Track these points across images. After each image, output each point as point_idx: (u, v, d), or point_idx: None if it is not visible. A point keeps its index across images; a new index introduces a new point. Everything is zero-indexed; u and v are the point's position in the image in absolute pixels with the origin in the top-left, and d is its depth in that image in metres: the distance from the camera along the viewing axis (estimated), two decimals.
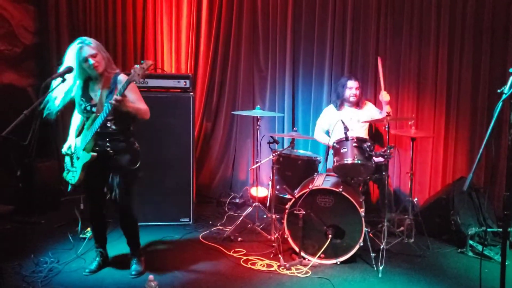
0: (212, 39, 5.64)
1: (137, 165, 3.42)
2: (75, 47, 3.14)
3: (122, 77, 3.28)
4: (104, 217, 3.63)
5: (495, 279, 2.65)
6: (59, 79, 3.10)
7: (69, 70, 3.12)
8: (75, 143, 3.38)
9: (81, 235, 4.18)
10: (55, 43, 5.48)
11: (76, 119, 3.49)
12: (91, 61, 3.14)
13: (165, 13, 5.71)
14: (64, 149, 3.39)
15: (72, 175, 3.36)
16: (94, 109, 3.26)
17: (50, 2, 5.43)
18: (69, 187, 3.43)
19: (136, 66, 3.05)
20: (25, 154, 4.78)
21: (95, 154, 3.26)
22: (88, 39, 3.19)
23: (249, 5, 5.54)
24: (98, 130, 3.20)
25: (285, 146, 5.33)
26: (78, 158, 3.31)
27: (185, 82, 4.61)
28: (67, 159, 3.43)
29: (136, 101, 3.27)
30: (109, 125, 3.28)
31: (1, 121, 2.92)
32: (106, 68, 3.24)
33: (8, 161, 4.58)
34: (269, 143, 4.42)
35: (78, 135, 3.43)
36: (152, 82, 4.56)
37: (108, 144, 3.30)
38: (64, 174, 3.46)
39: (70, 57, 3.15)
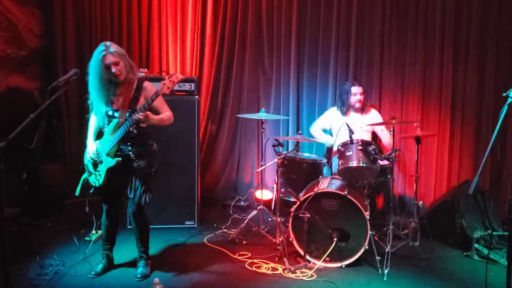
0: (217, 43, 5.66)
1: (155, 167, 3.49)
2: (98, 54, 3.18)
3: (148, 85, 3.37)
4: (118, 220, 3.68)
5: (501, 283, 2.64)
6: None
7: (76, 74, 3.16)
8: (96, 147, 3.39)
9: (86, 238, 4.20)
10: (61, 46, 5.51)
11: (93, 121, 3.50)
12: (113, 69, 3.19)
13: (170, 17, 5.74)
14: (90, 155, 3.39)
15: (96, 178, 3.40)
16: (116, 114, 3.30)
17: (56, 5, 5.47)
18: (92, 189, 3.49)
19: (165, 77, 3.15)
20: (31, 157, 4.81)
21: (119, 159, 3.31)
22: (111, 46, 3.21)
23: (254, 8, 5.55)
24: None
25: (290, 149, 5.33)
26: (101, 162, 3.35)
27: (190, 85, 4.62)
28: (88, 162, 3.44)
29: (160, 108, 3.38)
30: (131, 129, 3.30)
31: (7, 124, 2.94)
32: (128, 75, 3.27)
33: (14, 164, 4.60)
34: (273, 146, 4.42)
35: (97, 138, 3.46)
36: (158, 85, 4.55)
37: (130, 148, 3.35)
38: (86, 176, 3.48)
39: (94, 64, 3.21)
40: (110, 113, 3.33)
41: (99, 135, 3.47)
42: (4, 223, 2.62)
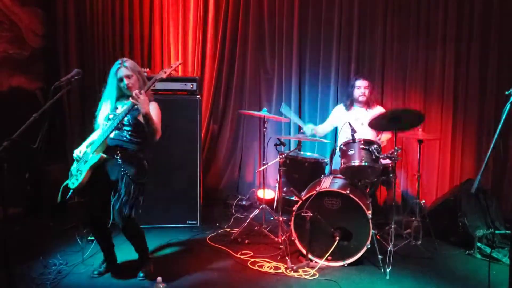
0: (219, 42, 5.67)
1: (143, 181, 3.41)
2: (114, 68, 3.35)
3: (154, 103, 3.43)
4: (106, 226, 3.51)
5: (504, 282, 2.65)
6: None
7: (78, 74, 3.18)
8: (85, 149, 3.39)
9: (89, 237, 4.20)
10: (63, 46, 5.52)
11: (94, 135, 3.49)
12: (125, 81, 3.31)
13: (172, 16, 5.74)
14: (75, 154, 3.40)
15: (76, 179, 3.33)
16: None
17: (58, 5, 5.47)
18: (69, 193, 3.38)
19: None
20: (34, 157, 4.82)
21: (104, 155, 3.29)
22: (127, 61, 3.37)
23: (256, 7, 5.56)
24: (112, 135, 3.29)
25: (292, 148, 5.33)
26: (85, 162, 3.32)
27: (192, 84, 4.63)
28: (73, 165, 3.42)
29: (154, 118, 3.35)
30: (124, 134, 3.34)
31: (10, 124, 2.94)
32: (139, 88, 3.32)
33: (17, 164, 4.61)
34: (275, 145, 4.42)
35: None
36: (159, 85, 4.50)
37: (119, 151, 3.33)
38: (66, 182, 3.41)
39: (110, 77, 3.37)
40: (111, 117, 3.35)
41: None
42: (7, 223, 2.63)
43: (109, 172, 3.36)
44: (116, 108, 3.41)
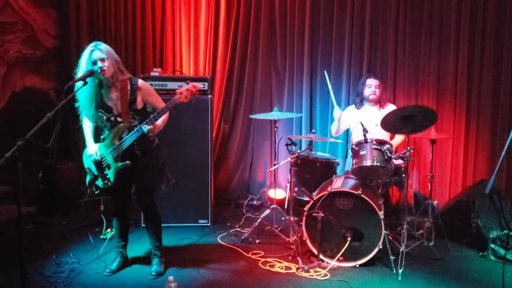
0: (230, 42, 5.67)
1: (161, 161, 3.56)
2: (87, 50, 3.24)
3: (142, 85, 3.40)
4: (128, 217, 3.73)
5: None
6: (80, 83, 3.14)
7: (91, 73, 3.17)
8: (100, 150, 3.38)
9: (101, 236, 4.24)
10: (76, 46, 5.54)
11: (88, 125, 3.47)
12: (99, 64, 3.20)
13: (183, 16, 5.76)
14: (94, 157, 3.36)
15: (105, 181, 3.39)
16: (119, 119, 3.33)
17: (71, 6, 5.51)
18: (97, 191, 3.48)
19: (182, 84, 3.31)
20: (47, 156, 4.86)
21: (129, 162, 3.33)
22: (100, 44, 3.28)
23: (267, 7, 5.55)
24: (124, 136, 3.32)
25: (303, 148, 5.31)
26: (109, 166, 3.35)
27: (203, 84, 4.62)
28: (90, 164, 3.42)
29: (157, 104, 3.42)
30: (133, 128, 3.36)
31: (24, 123, 2.97)
32: (115, 73, 3.28)
33: (30, 163, 4.66)
34: (287, 145, 4.42)
35: (97, 140, 3.46)
36: (171, 85, 4.59)
37: (136, 146, 3.35)
38: (90, 177, 3.46)
39: (83, 60, 3.24)
40: (112, 118, 3.35)
41: (95, 136, 3.47)
42: (20, 221, 2.66)
43: (131, 166, 3.38)
44: (110, 108, 3.32)
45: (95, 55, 3.21)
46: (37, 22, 5.21)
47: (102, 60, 3.22)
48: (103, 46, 3.28)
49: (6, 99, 4.80)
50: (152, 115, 3.24)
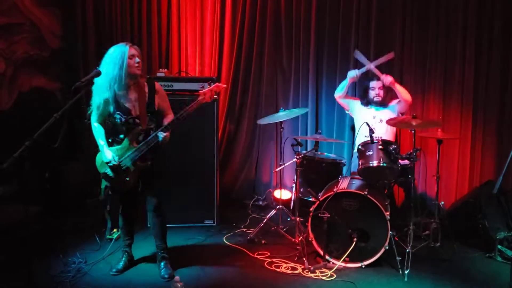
0: (236, 41, 5.67)
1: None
2: (120, 47, 3.30)
3: (158, 87, 3.51)
4: (136, 216, 3.75)
5: None
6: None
7: (98, 73, 3.18)
8: (117, 154, 3.37)
9: (107, 236, 4.25)
10: (82, 47, 5.58)
11: (100, 131, 3.46)
12: (138, 59, 3.31)
13: (189, 17, 5.78)
14: (113, 162, 3.34)
15: (125, 184, 3.41)
16: (137, 120, 3.37)
17: (77, 7, 5.54)
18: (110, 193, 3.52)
19: (204, 85, 3.47)
20: (53, 156, 4.88)
21: (150, 162, 3.42)
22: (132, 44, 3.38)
23: (273, 7, 5.54)
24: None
25: (309, 148, 5.31)
26: (128, 168, 3.36)
27: (209, 84, 4.62)
28: (107, 169, 3.40)
29: (167, 109, 3.54)
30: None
31: (31, 124, 2.99)
32: (141, 74, 3.40)
33: (37, 163, 4.68)
34: (292, 145, 4.41)
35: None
36: (177, 85, 4.60)
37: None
38: (106, 184, 3.46)
39: (116, 55, 3.27)
40: (131, 121, 3.36)
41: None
42: (27, 221, 2.67)
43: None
44: (128, 109, 3.35)
45: (133, 51, 3.30)
46: (43, 22, 5.23)
47: (138, 56, 3.33)
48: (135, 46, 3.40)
49: (13, 99, 4.83)
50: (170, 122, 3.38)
